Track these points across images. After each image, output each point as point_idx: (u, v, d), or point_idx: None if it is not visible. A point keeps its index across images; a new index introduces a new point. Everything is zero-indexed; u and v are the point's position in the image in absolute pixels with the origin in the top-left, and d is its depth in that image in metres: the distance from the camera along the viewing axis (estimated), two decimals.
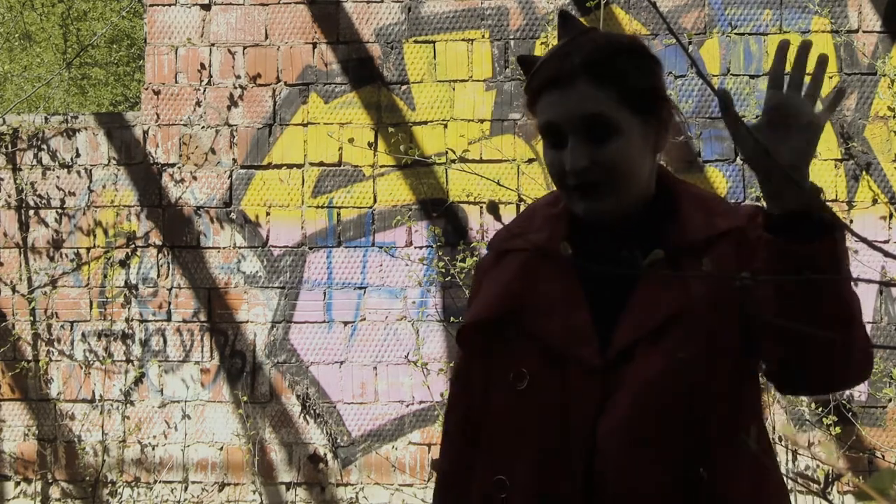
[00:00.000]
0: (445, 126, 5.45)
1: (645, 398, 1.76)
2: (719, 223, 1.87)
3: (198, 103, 5.57)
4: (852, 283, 1.71)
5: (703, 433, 1.76)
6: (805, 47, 1.68)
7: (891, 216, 5.23)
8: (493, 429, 1.89)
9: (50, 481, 5.62)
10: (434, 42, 5.49)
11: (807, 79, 1.76)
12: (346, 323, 5.48)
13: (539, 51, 5.37)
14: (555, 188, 1.93)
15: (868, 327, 5.20)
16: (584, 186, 1.81)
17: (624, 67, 1.83)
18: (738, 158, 5.33)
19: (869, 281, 1.13)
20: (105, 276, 5.60)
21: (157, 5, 5.62)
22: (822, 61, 1.71)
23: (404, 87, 5.49)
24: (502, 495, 1.84)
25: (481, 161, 5.39)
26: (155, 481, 5.57)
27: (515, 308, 1.88)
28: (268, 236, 5.52)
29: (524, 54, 2.05)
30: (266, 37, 5.55)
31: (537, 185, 5.33)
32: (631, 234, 1.85)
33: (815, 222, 1.63)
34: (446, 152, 5.40)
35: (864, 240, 1.36)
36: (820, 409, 5.13)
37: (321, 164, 5.50)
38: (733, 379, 1.81)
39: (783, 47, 1.68)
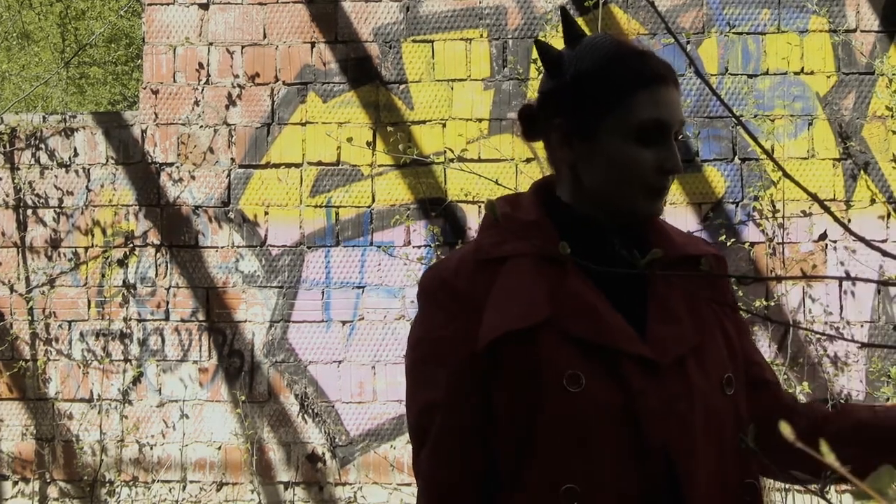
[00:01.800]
0: (444, 125, 5.45)
1: (709, 402, 1.80)
2: (699, 245, 1.94)
3: (196, 103, 5.57)
4: None
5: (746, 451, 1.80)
6: None
7: (889, 215, 5.23)
8: (551, 438, 1.78)
9: (48, 481, 5.62)
10: (432, 41, 5.49)
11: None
12: (344, 322, 5.48)
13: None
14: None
15: (866, 327, 5.20)
16: (664, 188, 1.86)
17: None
18: (736, 158, 5.34)
19: (867, 280, 1.13)
20: (103, 276, 5.59)
21: (156, 4, 5.62)
22: None
23: (403, 87, 5.49)
24: (572, 503, 1.77)
25: (479, 160, 5.39)
26: (153, 481, 5.57)
27: (551, 312, 1.80)
28: (266, 236, 5.52)
29: (543, 41, 2.01)
30: (264, 36, 5.55)
31: None
32: (622, 241, 1.86)
33: None
34: (444, 152, 5.40)
35: (862, 239, 1.36)
36: None
37: (319, 163, 5.50)
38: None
39: None
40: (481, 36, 5.46)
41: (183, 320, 5.56)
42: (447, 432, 1.83)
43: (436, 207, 5.41)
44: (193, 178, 5.56)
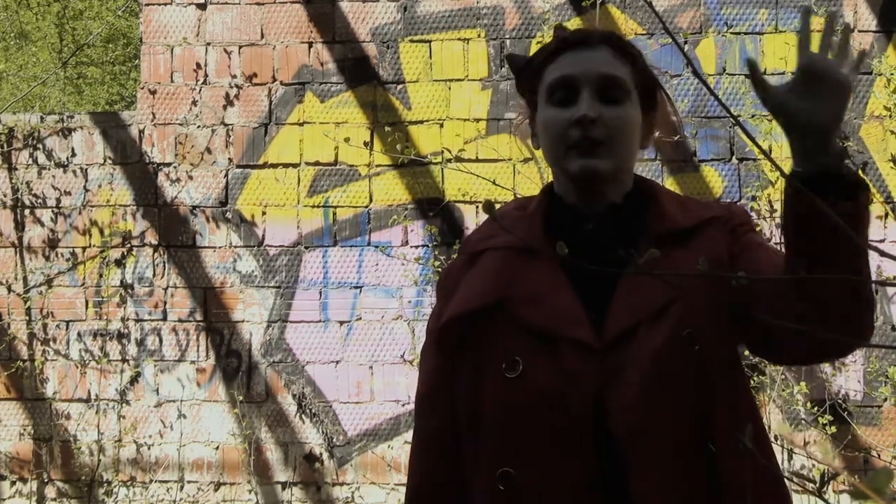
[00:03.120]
0: (441, 125, 5.45)
1: (657, 368, 1.77)
2: (700, 213, 1.93)
3: (194, 103, 5.57)
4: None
5: (711, 407, 1.77)
6: (833, 16, 1.71)
7: (886, 216, 5.24)
8: (491, 423, 1.86)
9: (46, 481, 5.62)
10: (430, 41, 5.49)
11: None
12: (341, 322, 5.47)
13: (534, 50, 5.37)
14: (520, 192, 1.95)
15: None
16: (586, 142, 1.86)
17: (635, 52, 1.95)
18: (733, 158, 5.34)
19: (865, 280, 1.13)
20: (101, 276, 5.59)
21: (153, 4, 5.62)
22: (846, 28, 1.75)
23: (400, 87, 5.49)
24: (512, 486, 1.81)
25: (477, 160, 5.39)
26: (151, 481, 5.57)
27: (501, 299, 1.88)
28: (264, 236, 5.52)
29: (514, 53, 2.08)
30: (262, 36, 5.55)
31: (533, 184, 5.33)
32: (611, 225, 1.89)
33: (840, 184, 1.64)
34: (442, 152, 5.41)
35: (861, 239, 1.36)
36: (815, 409, 5.13)
37: (317, 163, 5.50)
38: (732, 354, 1.85)
39: (807, 12, 1.72)
40: (479, 36, 5.46)
41: (180, 320, 5.56)
42: (427, 414, 1.99)
43: (433, 207, 5.41)
44: (191, 178, 5.56)
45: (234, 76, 5.55)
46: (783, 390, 5.10)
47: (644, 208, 1.92)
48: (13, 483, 5.65)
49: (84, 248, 5.61)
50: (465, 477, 1.91)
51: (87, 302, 5.61)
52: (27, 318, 5.63)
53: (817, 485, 1.58)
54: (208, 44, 5.58)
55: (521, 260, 1.91)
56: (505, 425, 1.84)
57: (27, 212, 5.65)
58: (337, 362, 5.48)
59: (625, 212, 1.91)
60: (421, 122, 5.46)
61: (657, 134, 2.01)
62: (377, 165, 5.47)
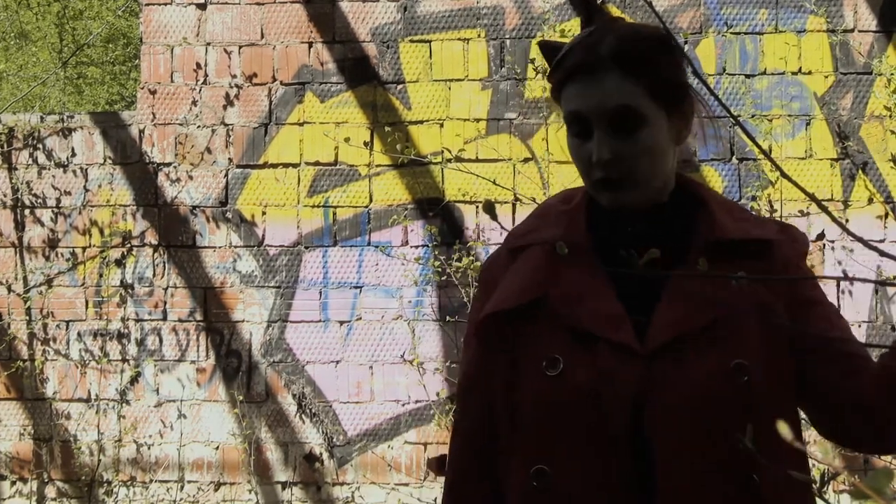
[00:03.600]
0: (441, 125, 5.45)
1: (700, 394, 1.74)
2: (751, 229, 1.87)
3: (194, 102, 5.57)
4: None
5: (757, 438, 1.75)
6: None
7: (886, 215, 5.24)
8: (527, 419, 1.85)
9: (46, 481, 5.62)
10: (430, 41, 5.49)
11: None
12: (342, 322, 5.47)
13: (535, 50, 5.37)
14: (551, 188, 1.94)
15: (864, 326, 5.20)
16: (609, 178, 1.82)
17: (651, 58, 1.83)
18: (733, 158, 5.34)
19: (865, 280, 1.13)
20: (101, 276, 5.59)
21: (153, 4, 5.62)
22: None
23: (400, 87, 5.49)
24: (547, 484, 1.80)
25: (477, 160, 5.39)
26: (151, 481, 5.57)
27: (541, 297, 1.86)
28: (264, 236, 5.52)
29: (546, 39, 2.03)
30: (262, 36, 5.55)
31: (533, 184, 5.33)
32: (653, 228, 1.85)
33: None
34: (442, 152, 5.40)
35: (860, 239, 1.36)
36: None
37: (317, 163, 5.50)
38: (785, 392, 1.82)
39: None
40: (479, 36, 5.46)
41: (181, 320, 5.56)
42: (464, 411, 1.99)
43: (433, 207, 5.41)
44: (191, 178, 5.56)
45: (234, 76, 5.55)
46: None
47: (689, 210, 1.89)
48: (13, 483, 5.65)
49: (84, 248, 5.61)
50: (499, 474, 1.91)
51: (87, 302, 5.61)
52: (27, 317, 5.63)
53: (818, 485, 1.58)
54: (208, 44, 5.58)
55: (561, 258, 1.86)
56: (542, 423, 1.83)
57: (27, 212, 5.65)
58: (337, 362, 5.48)
59: (669, 212, 1.88)
60: (421, 122, 5.46)
61: (701, 116, 1.92)
62: (377, 165, 5.47)
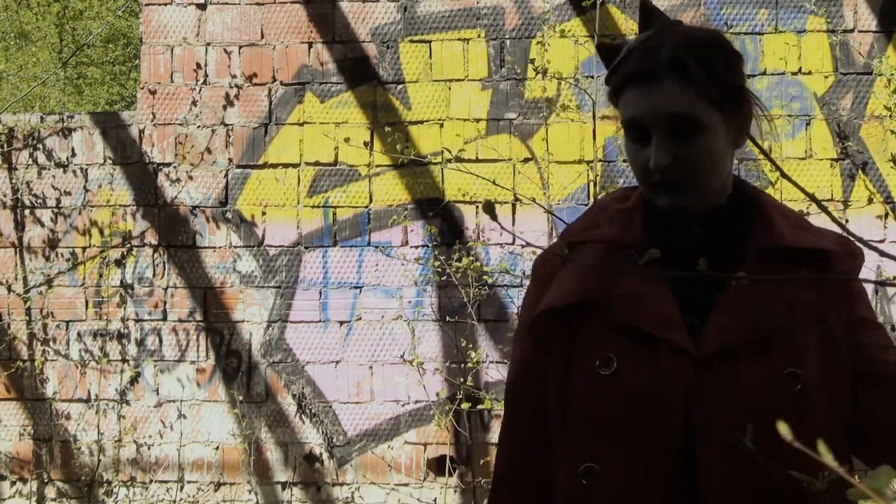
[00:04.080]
0: (441, 125, 5.45)
1: (752, 401, 1.74)
2: (809, 238, 1.87)
3: (194, 103, 5.57)
4: None
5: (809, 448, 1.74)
6: None
7: (886, 215, 5.24)
8: (578, 418, 1.86)
9: (45, 481, 5.62)
10: (430, 41, 5.48)
11: None
12: (341, 322, 5.47)
13: (535, 50, 5.37)
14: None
15: None
16: (667, 182, 1.82)
17: (708, 63, 1.82)
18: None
19: (865, 280, 1.13)
20: (101, 276, 5.59)
21: (153, 4, 5.62)
22: None
23: (400, 87, 5.48)
24: (595, 482, 1.81)
25: (477, 160, 5.39)
26: (151, 481, 5.56)
27: (597, 296, 1.87)
28: (263, 236, 5.51)
29: (604, 42, 2.04)
30: (262, 36, 5.55)
31: (533, 184, 5.33)
32: (710, 230, 1.86)
33: None
34: (442, 152, 5.40)
35: (860, 239, 1.36)
36: None
37: (317, 163, 5.49)
38: (837, 408, 1.82)
39: None
40: (479, 36, 5.45)
41: (180, 320, 5.56)
42: (513, 408, 2.00)
43: (433, 207, 5.41)
44: (191, 178, 5.56)
45: (234, 76, 5.55)
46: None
47: (746, 214, 1.89)
48: (13, 483, 5.64)
49: (84, 249, 5.61)
50: (549, 468, 1.92)
51: (87, 302, 5.61)
52: (27, 318, 5.63)
53: (818, 484, 1.58)
54: (208, 44, 5.58)
55: (620, 256, 1.89)
56: (593, 421, 1.84)
57: (27, 212, 5.65)
58: (337, 362, 5.48)
59: (726, 216, 1.88)
60: (421, 122, 5.46)
61: (762, 117, 1.92)
62: (377, 165, 5.47)
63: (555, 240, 5.32)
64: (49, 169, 5.64)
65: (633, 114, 1.83)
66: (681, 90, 1.80)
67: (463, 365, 5.34)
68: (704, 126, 1.81)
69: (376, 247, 5.44)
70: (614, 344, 1.84)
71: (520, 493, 1.96)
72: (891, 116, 5.24)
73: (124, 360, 5.58)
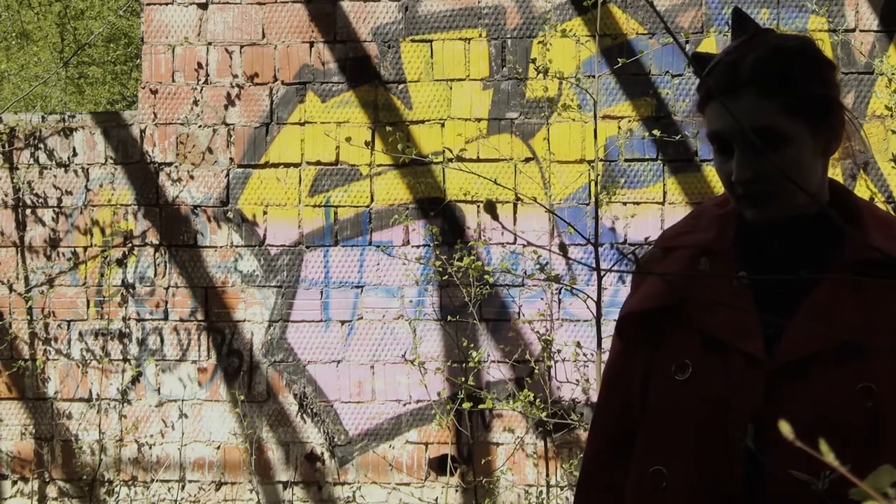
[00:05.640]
0: (442, 125, 5.45)
1: (822, 414, 1.73)
2: None
3: (195, 102, 5.57)
4: None
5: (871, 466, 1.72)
6: None
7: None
8: (652, 420, 1.89)
9: (47, 480, 5.62)
10: (431, 41, 5.48)
11: None
12: (343, 322, 5.47)
13: (536, 50, 5.37)
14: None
15: None
16: (752, 194, 1.82)
17: (793, 75, 1.81)
18: None
19: (865, 280, 1.13)
20: (102, 276, 5.59)
21: (154, 4, 5.62)
22: None
23: (401, 86, 5.48)
24: (662, 485, 1.83)
25: (478, 160, 5.39)
26: (152, 480, 5.57)
27: (680, 300, 1.89)
28: (265, 235, 5.51)
29: (700, 52, 2.04)
30: (263, 36, 5.55)
31: (534, 183, 5.33)
32: (803, 239, 1.85)
33: None
34: (443, 151, 5.40)
35: (860, 240, 1.36)
36: None
37: (318, 163, 5.49)
38: None
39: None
40: (480, 36, 5.45)
41: (182, 320, 5.56)
42: (603, 407, 2.05)
43: (434, 207, 5.41)
44: (192, 177, 5.56)
45: (236, 76, 5.55)
46: None
47: (841, 228, 1.85)
48: (14, 483, 5.65)
49: (85, 248, 5.61)
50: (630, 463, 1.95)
51: (88, 301, 5.61)
52: (28, 317, 5.63)
53: (818, 484, 1.58)
54: (209, 43, 5.58)
55: (709, 262, 1.89)
56: (665, 425, 1.88)
57: (28, 211, 5.65)
58: (338, 362, 5.48)
59: (816, 226, 1.85)
60: (422, 121, 5.46)
61: (849, 123, 1.88)
62: (378, 165, 5.47)
63: (556, 239, 5.34)
64: (50, 168, 5.64)
65: (714, 128, 1.85)
66: (759, 104, 1.79)
67: (464, 364, 5.34)
68: (786, 137, 1.79)
69: (377, 246, 5.44)
70: (691, 350, 1.86)
71: (604, 493, 1.99)
72: (892, 116, 5.24)
73: (125, 360, 5.58)
